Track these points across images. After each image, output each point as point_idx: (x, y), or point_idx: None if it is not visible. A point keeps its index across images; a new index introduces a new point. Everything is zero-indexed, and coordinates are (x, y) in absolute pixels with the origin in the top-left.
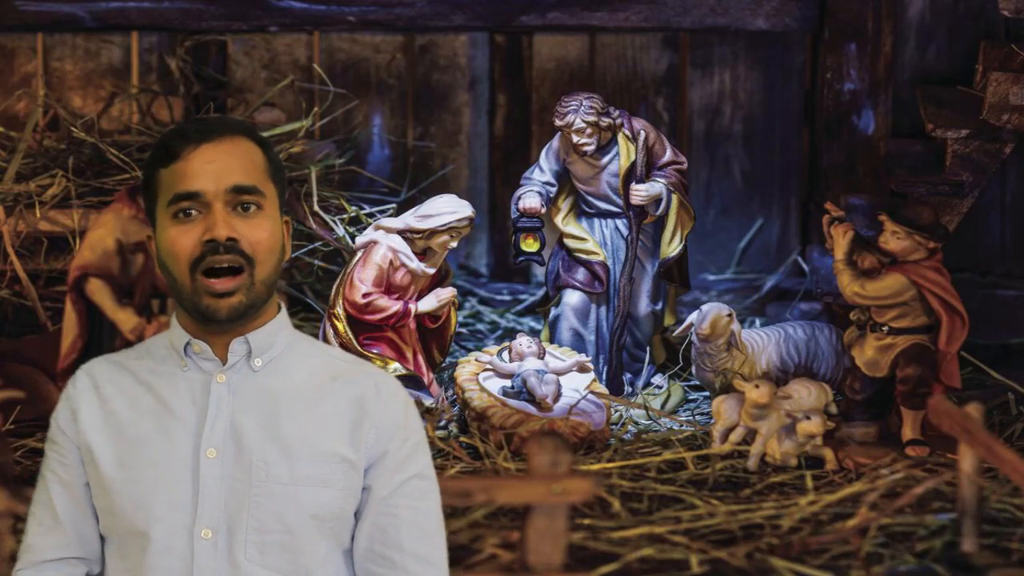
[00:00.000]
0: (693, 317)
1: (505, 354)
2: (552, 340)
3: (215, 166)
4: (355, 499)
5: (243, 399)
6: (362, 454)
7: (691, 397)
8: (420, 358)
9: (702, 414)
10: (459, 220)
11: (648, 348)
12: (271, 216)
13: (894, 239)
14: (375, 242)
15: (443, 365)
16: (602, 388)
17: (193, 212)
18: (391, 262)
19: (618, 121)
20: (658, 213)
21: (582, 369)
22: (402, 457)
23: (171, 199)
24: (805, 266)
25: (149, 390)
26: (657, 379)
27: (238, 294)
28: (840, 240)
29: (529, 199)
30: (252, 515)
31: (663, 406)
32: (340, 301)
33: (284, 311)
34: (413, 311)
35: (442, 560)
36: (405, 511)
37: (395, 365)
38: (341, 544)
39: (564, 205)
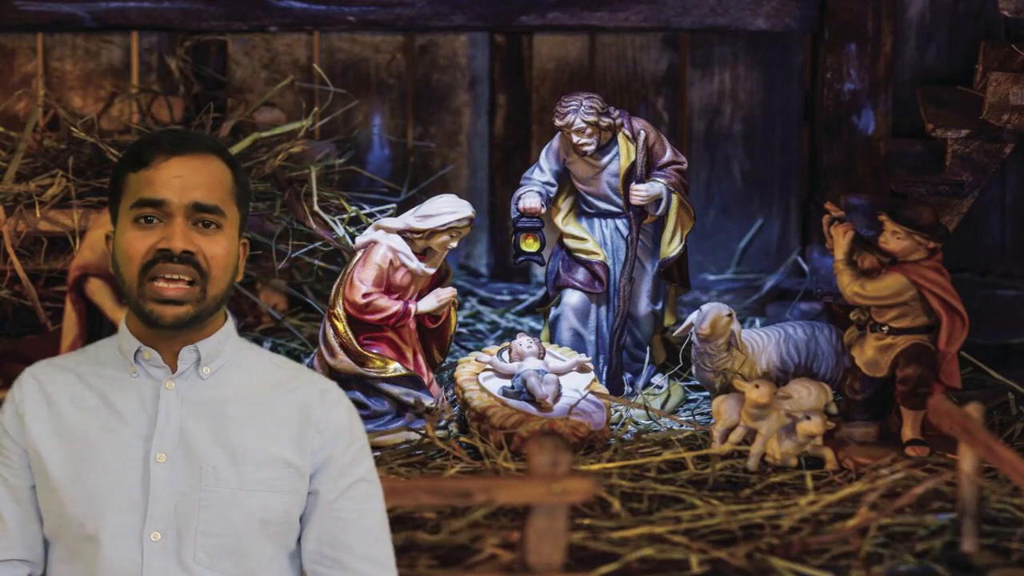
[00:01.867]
0: (693, 317)
1: (505, 354)
2: (552, 340)
3: (181, 180)
4: (300, 504)
5: (192, 406)
6: (307, 459)
7: (691, 397)
8: (420, 358)
9: (702, 414)
10: (459, 220)
11: (648, 348)
12: (229, 236)
13: (894, 239)
14: (375, 242)
15: (443, 365)
16: (602, 388)
17: (154, 219)
18: (391, 262)
19: (618, 121)
20: (658, 213)
21: (582, 369)
22: (347, 462)
23: (135, 202)
24: (805, 266)
25: (97, 394)
26: (657, 379)
27: (187, 304)
28: (840, 240)
29: (529, 199)
30: (201, 519)
31: (663, 406)
32: (340, 301)
33: (231, 320)
34: (413, 311)
35: (390, 559)
36: (352, 514)
37: (395, 365)
38: (287, 547)
39: (564, 205)
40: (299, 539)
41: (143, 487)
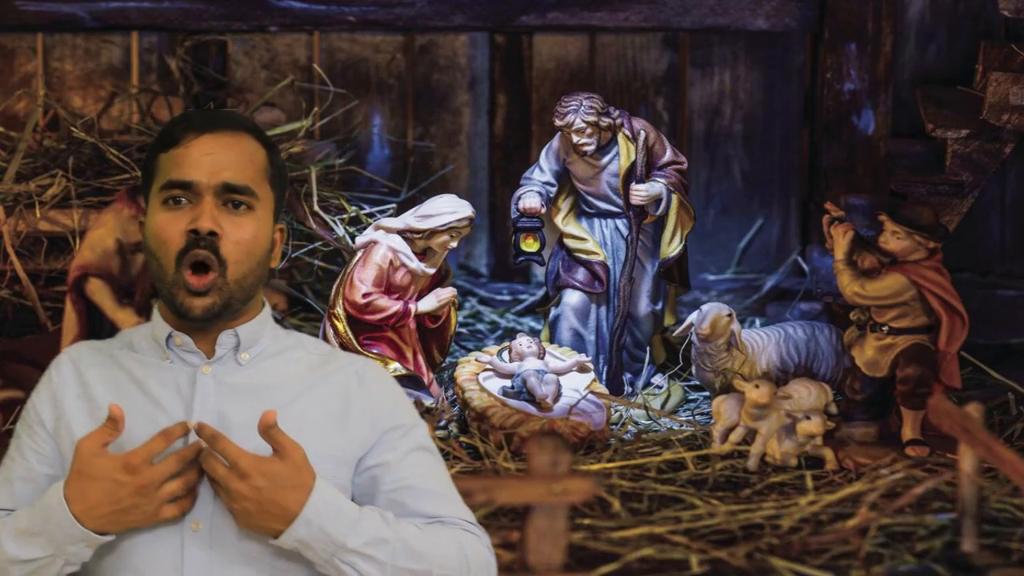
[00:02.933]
0: (693, 317)
1: (505, 354)
2: (552, 340)
3: (212, 159)
4: (344, 491)
5: (230, 392)
6: (353, 446)
7: (691, 397)
8: (420, 358)
9: (702, 414)
10: (459, 220)
11: (648, 348)
12: (261, 218)
13: (894, 239)
14: (375, 242)
15: (443, 365)
16: (602, 388)
17: (183, 200)
18: (391, 262)
19: (618, 121)
20: (658, 213)
21: (582, 369)
22: (401, 434)
23: (164, 184)
24: (805, 266)
25: (133, 380)
26: (657, 379)
27: (211, 294)
28: (840, 240)
29: (529, 199)
30: None
31: (663, 406)
32: (340, 301)
33: (268, 307)
34: (413, 311)
35: (466, 512)
36: (417, 480)
37: (395, 365)
38: None
39: (564, 205)
40: None
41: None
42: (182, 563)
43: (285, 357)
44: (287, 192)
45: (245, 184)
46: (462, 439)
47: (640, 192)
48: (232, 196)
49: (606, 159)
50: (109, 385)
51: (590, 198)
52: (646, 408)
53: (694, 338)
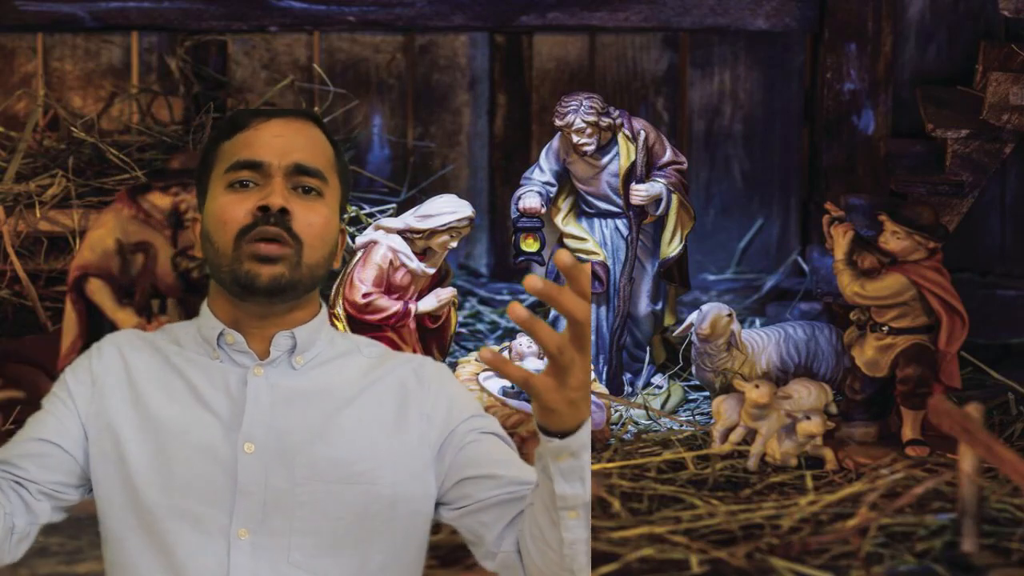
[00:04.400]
0: (693, 317)
1: (505, 354)
2: None
3: (282, 140)
4: (410, 496)
5: (283, 395)
6: (418, 446)
7: (691, 397)
8: None
9: (702, 414)
10: (459, 220)
11: (648, 348)
12: (330, 206)
13: (894, 239)
14: (375, 242)
15: None
16: (602, 388)
17: (251, 183)
18: (391, 262)
19: (618, 121)
20: (658, 213)
21: None
22: (467, 427)
23: (230, 166)
24: (805, 266)
25: (180, 376)
26: (657, 379)
27: (282, 264)
28: (840, 240)
29: (529, 199)
30: (296, 516)
31: (663, 406)
32: (340, 301)
33: (325, 309)
34: (413, 311)
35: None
36: (492, 447)
37: None
38: (399, 546)
39: (564, 205)
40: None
41: (230, 480)
42: (228, 570)
43: (340, 362)
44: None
45: (317, 167)
46: None
47: (640, 192)
48: (303, 180)
49: (606, 159)
50: (156, 380)
51: (590, 198)
52: (646, 408)
53: (694, 338)
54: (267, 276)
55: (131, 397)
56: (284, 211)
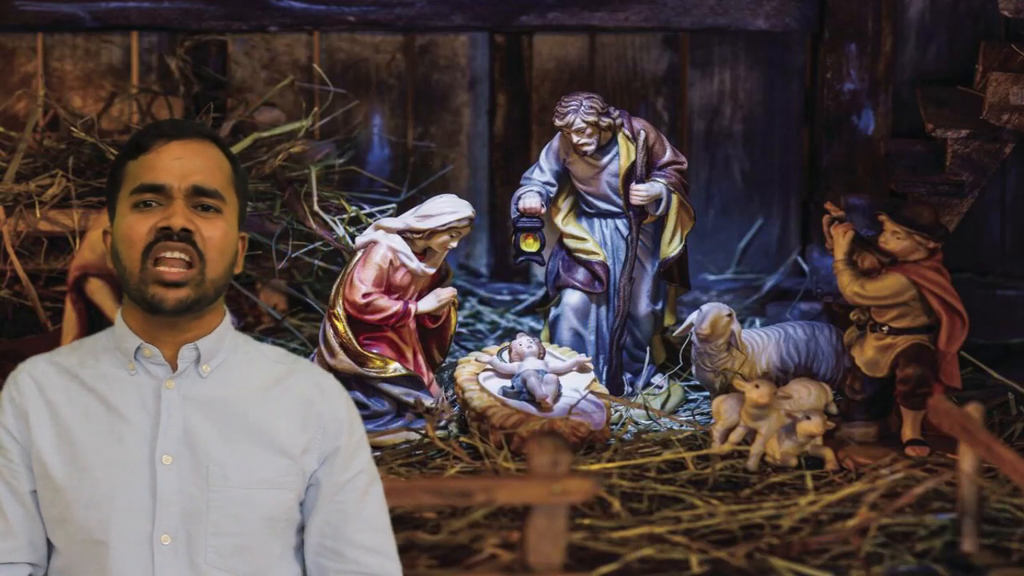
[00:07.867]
0: (693, 317)
1: (505, 354)
2: (552, 340)
3: (182, 163)
4: (300, 499)
5: (194, 405)
6: (311, 454)
7: (691, 397)
8: (420, 358)
9: (702, 414)
10: (459, 220)
11: (648, 348)
12: (229, 222)
13: (894, 239)
14: (375, 242)
15: (443, 365)
16: (602, 388)
17: (154, 204)
18: (391, 262)
19: (618, 121)
20: (658, 213)
21: (582, 369)
22: (348, 454)
23: (135, 188)
24: (805, 266)
25: (96, 395)
26: (657, 379)
27: (187, 287)
28: (840, 240)
29: (529, 199)
30: (210, 520)
31: (663, 406)
32: (340, 301)
33: (228, 316)
34: (413, 311)
35: (391, 548)
36: (352, 505)
37: (395, 365)
38: (291, 543)
39: (564, 205)
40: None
41: (150, 490)
42: (153, 572)
43: (246, 367)
44: (286, 193)
45: (215, 188)
46: (462, 439)
47: (640, 192)
48: (202, 199)
49: (606, 159)
50: (70, 402)
51: (590, 198)
52: (646, 408)
53: (694, 338)
54: (172, 300)
55: (51, 421)
56: (186, 230)
